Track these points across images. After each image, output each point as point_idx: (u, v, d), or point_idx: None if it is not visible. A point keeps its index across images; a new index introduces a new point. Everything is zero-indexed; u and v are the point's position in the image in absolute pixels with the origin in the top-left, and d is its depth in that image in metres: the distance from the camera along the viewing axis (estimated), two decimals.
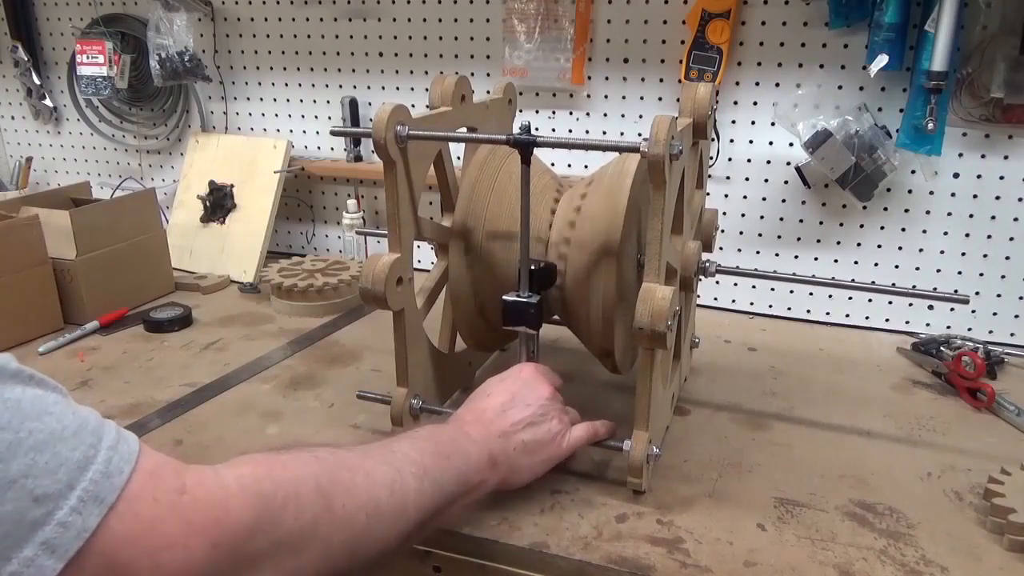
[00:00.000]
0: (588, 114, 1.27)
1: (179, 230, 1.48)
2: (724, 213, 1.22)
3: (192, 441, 0.87)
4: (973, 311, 1.13)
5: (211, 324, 1.22)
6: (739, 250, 1.24)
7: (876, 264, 1.17)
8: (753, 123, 1.17)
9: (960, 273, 1.13)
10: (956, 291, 0.82)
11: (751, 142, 1.18)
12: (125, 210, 1.29)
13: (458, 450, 0.66)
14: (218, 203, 1.46)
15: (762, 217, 1.21)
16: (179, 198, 1.50)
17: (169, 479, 0.43)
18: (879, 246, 1.16)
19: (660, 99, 1.22)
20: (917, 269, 1.15)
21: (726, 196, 1.22)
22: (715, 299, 1.27)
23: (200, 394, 0.98)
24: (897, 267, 1.16)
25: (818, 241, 1.19)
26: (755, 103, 1.16)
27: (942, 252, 1.13)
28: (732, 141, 1.19)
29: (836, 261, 1.19)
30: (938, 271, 1.14)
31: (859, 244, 1.17)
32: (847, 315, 1.21)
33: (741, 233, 1.23)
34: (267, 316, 1.25)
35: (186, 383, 1.01)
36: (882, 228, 1.15)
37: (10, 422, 0.38)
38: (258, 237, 1.41)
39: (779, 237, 1.21)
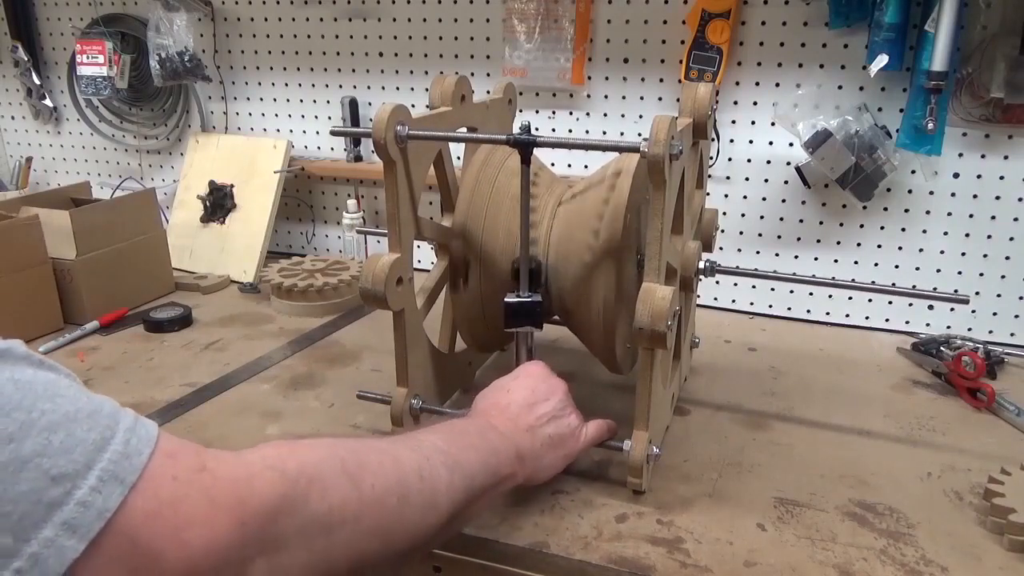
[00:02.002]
0: (588, 114, 1.27)
1: (179, 230, 1.47)
2: (724, 213, 1.22)
3: (193, 439, 0.86)
4: (973, 311, 1.13)
5: (211, 324, 1.22)
6: (739, 250, 1.23)
7: (876, 264, 1.17)
8: (753, 123, 1.17)
9: (960, 273, 1.13)
10: (956, 291, 0.82)
11: (751, 142, 1.18)
12: (125, 210, 1.29)
13: (486, 442, 0.65)
14: (218, 203, 1.46)
15: (762, 217, 1.21)
16: (179, 198, 1.50)
17: (190, 459, 0.42)
18: (879, 246, 1.16)
19: (660, 99, 1.22)
20: (917, 269, 1.15)
21: (726, 196, 1.22)
22: (715, 299, 1.27)
23: (200, 394, 0.98)
24: (897, 267, 1.16)
25: (818, 241, 1.19)
26: (755, 103, 1.16)
27: (942, 252, 1.13)
28: (732, 141, 1.19)
29: (836, 261, 1.19)
30: (938, 271, 1.14)
31: (859, 244, 1.17)
32: (847, 315, 1.21)
33: (741, 233, 1.23)
34: (267, 316, 1.25)
35: (186, 383, 1.01)
36: (882, 228, 1.15)
37: (21, 402, 0.37)
38: (258, 237, 1.41)
39: (779, 237, 1.21)
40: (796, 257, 1.21)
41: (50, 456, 0.37)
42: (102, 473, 0.38)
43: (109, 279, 1.24)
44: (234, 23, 1.46)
